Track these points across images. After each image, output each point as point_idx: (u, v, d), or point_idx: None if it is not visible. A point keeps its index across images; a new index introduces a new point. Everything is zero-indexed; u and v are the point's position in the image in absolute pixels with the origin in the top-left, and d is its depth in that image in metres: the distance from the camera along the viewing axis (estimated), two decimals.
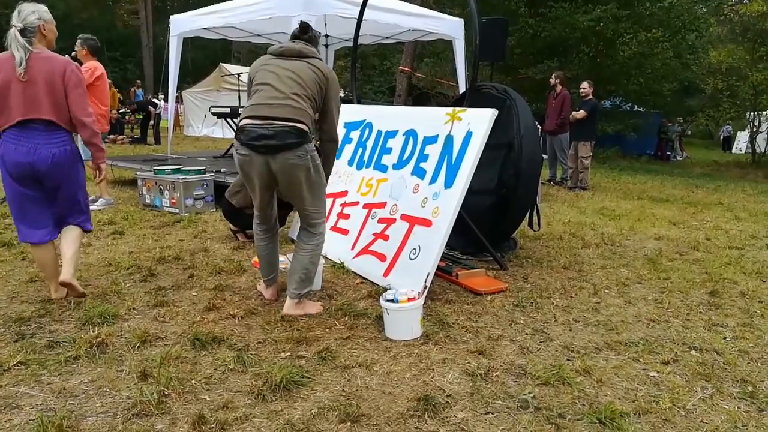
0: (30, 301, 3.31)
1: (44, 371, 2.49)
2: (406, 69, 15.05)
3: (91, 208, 5.47)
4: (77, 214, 3.33)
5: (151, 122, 16.04)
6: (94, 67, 5.64)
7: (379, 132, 4.40)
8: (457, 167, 3.50)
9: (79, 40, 5.62)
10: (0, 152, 3.06)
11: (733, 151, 24.20)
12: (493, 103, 4.13)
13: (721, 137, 26.73)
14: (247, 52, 34.86)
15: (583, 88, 8.96)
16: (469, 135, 3.54)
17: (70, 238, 3.27)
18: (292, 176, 2.97)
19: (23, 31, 3.01)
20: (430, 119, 3.94)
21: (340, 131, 4.85)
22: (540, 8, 15.05)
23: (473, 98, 4.24)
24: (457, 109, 3.76)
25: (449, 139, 3.69)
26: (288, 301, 3.21)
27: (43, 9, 3.10)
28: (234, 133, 3.12)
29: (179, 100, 17.08)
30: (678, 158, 18.83)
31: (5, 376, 2.43)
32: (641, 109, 17.60)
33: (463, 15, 10.63)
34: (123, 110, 16.47)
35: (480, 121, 3.50)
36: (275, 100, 2.94)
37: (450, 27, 8.36)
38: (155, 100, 17.24)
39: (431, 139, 3.84)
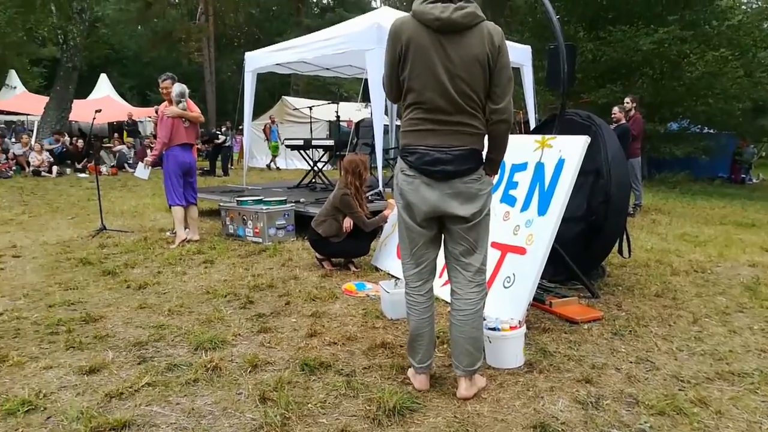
0: (144, 327, 3.51)
1: (170, 392, 2.64)
2: None
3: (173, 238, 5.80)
4: (194, 194, 6.12)
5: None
6: None
7: None
8: (551, 194, 3.52)
9: (169, 80, 5.95)
10: (175, 156, 5.81)
11: None
12: (578, 129, 4.14)
13: None
14: (305, 84, 35.96)
15: (614, 113, 8.64)
16: (561, 162, 3.55)
17: (195, 211, 6.15)
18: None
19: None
20: (517, 147, 3.97)
21: None
22: (599, 32, 14.89)
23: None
24: (547, 136, 3.79)
25: (540, 166, 3.71)
26: (463, 381, 2.63)
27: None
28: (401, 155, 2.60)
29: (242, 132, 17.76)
30: (754, 180, 17.98)
31: (137, 396, 2.59)
32: (712, 131, 16.97)
33: (523, 41, 10.67)
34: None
35: (573, 148, 3.52)
36: (443, 125, 2.49)
37: (518, 54, 8.39)
38: (219, 133, 17.94)
39: (520, 167, 3.88)
